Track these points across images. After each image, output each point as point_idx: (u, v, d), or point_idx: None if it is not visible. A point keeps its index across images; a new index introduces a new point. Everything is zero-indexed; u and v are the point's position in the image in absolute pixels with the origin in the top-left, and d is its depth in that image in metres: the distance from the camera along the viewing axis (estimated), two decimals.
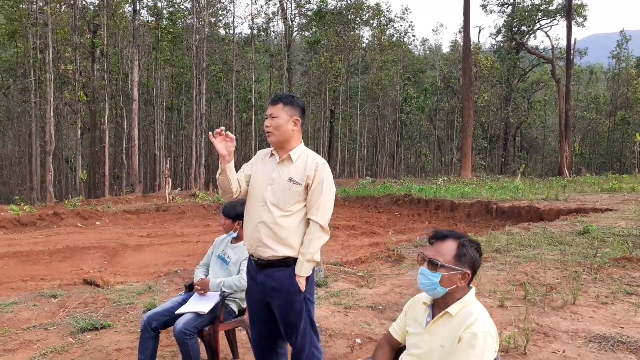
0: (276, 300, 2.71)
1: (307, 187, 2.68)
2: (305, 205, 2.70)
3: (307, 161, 2.71)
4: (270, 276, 2.69)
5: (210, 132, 2.71)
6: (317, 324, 4.29)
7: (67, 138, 36.21)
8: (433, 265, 2.04)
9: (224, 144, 2.68)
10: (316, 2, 33.76)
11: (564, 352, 3.63)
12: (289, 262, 2.67)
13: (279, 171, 2.72)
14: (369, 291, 5.43)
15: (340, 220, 13.94)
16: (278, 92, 34.58)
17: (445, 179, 26.68)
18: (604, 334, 3.89)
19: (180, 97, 36.02)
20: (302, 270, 2.64)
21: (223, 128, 2.71)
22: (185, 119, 36.87)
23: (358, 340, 3.96)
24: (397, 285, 5.62)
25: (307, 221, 2.70)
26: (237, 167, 2.79)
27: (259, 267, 2.73)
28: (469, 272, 2.03)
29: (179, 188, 25.71)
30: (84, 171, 26.00)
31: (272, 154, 2.81)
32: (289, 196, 2.66)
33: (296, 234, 2.67)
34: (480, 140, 42.54)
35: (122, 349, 3.87)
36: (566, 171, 27.84)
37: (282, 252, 2.65)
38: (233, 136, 2.70)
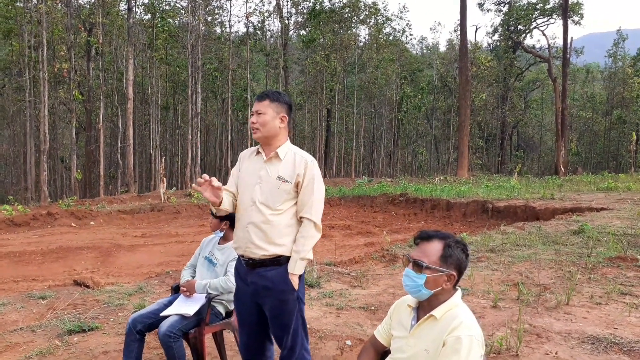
0: (269, 300, 2.65)
1: (296, 185, 2.63)
2: (295, 203, 2.65)
3: (296, 158, 2.66)
4: (263, 275, 2.64)
5: (193, 185, 2.62)
6: (307, 326, 4.25)
7: (62, 137, 36.05)
8: (418, 266, 1.98)
9: (211, 191, 2.57)
10: (311, 0, 33.66)
11: (556, 353, 3.58)
12: (281, 261, 2.63)
13: (266, 169, 2.67)
14: (362, 292, 5.38)
15: (336, 220, 13.90)
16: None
17: (442, 178, 26.68)
18: (597, 335, 3.85)
19: (175, 96, 35.93)
20: (296, 269, 2.60)
21: (205, 176, 2.58)
22: (181, 118, 36.78)
23: (348, 342, 3.91)
24: (390, 286, 5.57)
25: (297, 219, 2.66)
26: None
27: (249, 267, 2.68)
28: (454, 273, 1.97)
29: (175, 188, 25.60)
30: (79, 171, 25.87)
31: (258, 152, 2.76)
32: (278, 195, 2.62)
33: (286, 233, 2.63)
34: (477, 139, 42.54)
35: (108, 351, 3.81)
36: (562, 170, 27.87)
37: (273, 251, 2.61)
38: (219, 184, 2.57)
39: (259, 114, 2.66)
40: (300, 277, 2.67)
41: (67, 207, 15.24)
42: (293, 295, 2.62)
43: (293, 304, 2.64)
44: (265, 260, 2.62)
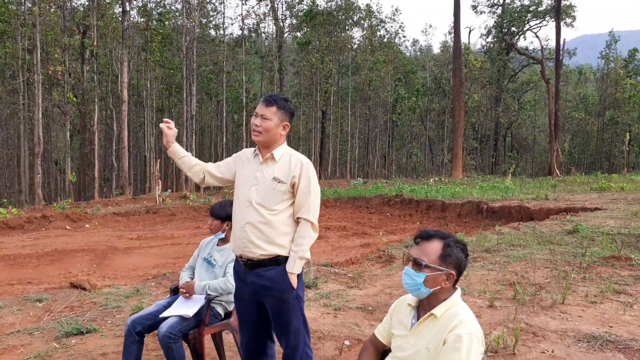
0: (269, 299, 2.69)
1: (292, 186, 2.67)
2: (291, 204, 2.69)
3: (292, 160, 2.70)
4: (262, 275, 2.67)
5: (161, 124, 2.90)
6: None
7: (57, 140, 35.90)
8: (417, 265, 2.01)
9: (170, 132, 2.89)
10: (307, 2, 33.70)
11: (552, 351, 3.62)
12: (279, 261, 2.66)
13: (262, 171, 2.71)
14: (359, 292, 5.40)
15: (331, 221, 13.90)
16: (269, 93, 34.58)
17: (437, 179, 26.75)
18: (592, 334, 3.89)
19: (170, 98, 35.81)
20: (295, 268, 2.64)
21: (169, 122, 2.89)
22: (175, 120, 36.63)
23: (347, 343, 3.93)
24: (387, 286, 5.60)
25: (294, 219, 2.69)
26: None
27: (248, 267, 2.70)
28: (453, 272, 2.00)
29: (170, 190, 25.53)
30: (74, 173, 25.73)
31: (255, 154, 2.80)
32: (274, 195, 2.65)
33: (285, 233, 2.67)
34: (471, 140, 42.69)
35: (107, 353, 3.81)
36: (556, 171, 28.02)
37: (272, 251, 2.64)
38: (174, 131, 2.91)
39: (265, 118, 2.67)
40: (299, 276, 2.70)
41: (61, 210, 15.17)
42: (292, 294, 2.66)
43: (293, 302, 2.67)
44: (264, 261, 2.65)
